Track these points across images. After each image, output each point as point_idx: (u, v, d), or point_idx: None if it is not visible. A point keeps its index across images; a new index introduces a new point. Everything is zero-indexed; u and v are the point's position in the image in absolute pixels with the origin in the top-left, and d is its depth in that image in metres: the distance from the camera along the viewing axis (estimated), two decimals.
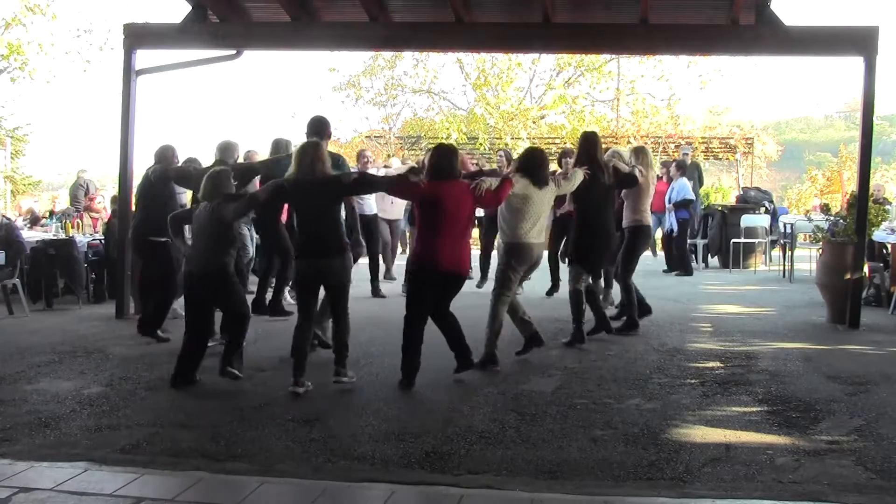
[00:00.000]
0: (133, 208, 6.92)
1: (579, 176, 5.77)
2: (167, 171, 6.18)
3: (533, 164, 5.37)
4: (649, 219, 6.77)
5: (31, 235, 8.67)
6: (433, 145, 6.06)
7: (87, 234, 9.14)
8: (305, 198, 4.74)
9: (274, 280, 7.31)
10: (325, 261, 4.67)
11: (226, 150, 6.29)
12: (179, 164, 6.54)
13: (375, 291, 8.56)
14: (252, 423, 3.98)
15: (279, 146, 6.94)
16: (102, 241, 8.51)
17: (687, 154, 12.41)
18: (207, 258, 4.82)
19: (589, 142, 6.08)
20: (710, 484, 3.18)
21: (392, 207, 9.69)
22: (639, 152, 6.69)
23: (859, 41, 6.75)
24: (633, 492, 3.14)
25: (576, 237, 6.11)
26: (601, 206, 6.00)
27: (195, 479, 3.25)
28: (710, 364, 5.35)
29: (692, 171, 11.94)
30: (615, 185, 6.16)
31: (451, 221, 4.80)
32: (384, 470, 3.35)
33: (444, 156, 4.96)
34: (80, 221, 9.93)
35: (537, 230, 5.40)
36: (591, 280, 6.17)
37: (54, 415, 4.13)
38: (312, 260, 4.69)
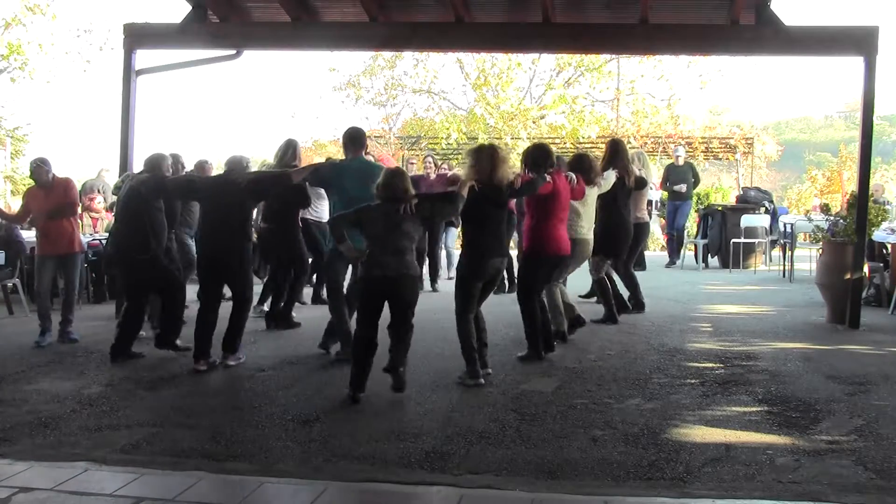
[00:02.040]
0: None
1: (612, 178, 6.61)
2: (164, 184, 5.70)
3: (586, 167, 6.02)
4: (647, 216, 7.40)
5: (30, 235, 8.67)
6: (533, 144, 6.17)
7: (87, 234, 9.14)
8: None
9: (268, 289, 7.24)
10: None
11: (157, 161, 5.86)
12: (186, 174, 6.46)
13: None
14: (252, 423, 3.98)
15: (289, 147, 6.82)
16: (103, 242, 8.51)
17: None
18: None
19: (620, 148, 7.01)
20: (710, 484, 3.18)
21: None
22: (640, 157, 7.22)
23: (859, 41, 6.75)
24: (633, 492, 3.14)
25: (603, 232, 6.60)
26: (624, 205, 6.95)
27: (195, 479, 3.25)
28: (710, 364, 5.35)
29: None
30: (634, 187, 7.08)
31: (562, 209, 5.48)
32: (384, 470, 3.35)
33: (541, 149, 5.51)
34: (80, 221, 9.92)
35: (588, 226, 6.18)
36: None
37: (54, 415, 4.13)
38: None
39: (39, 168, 6.18)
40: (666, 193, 12.42)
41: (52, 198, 6.15)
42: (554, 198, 5.36)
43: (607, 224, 6.70)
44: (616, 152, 6.94)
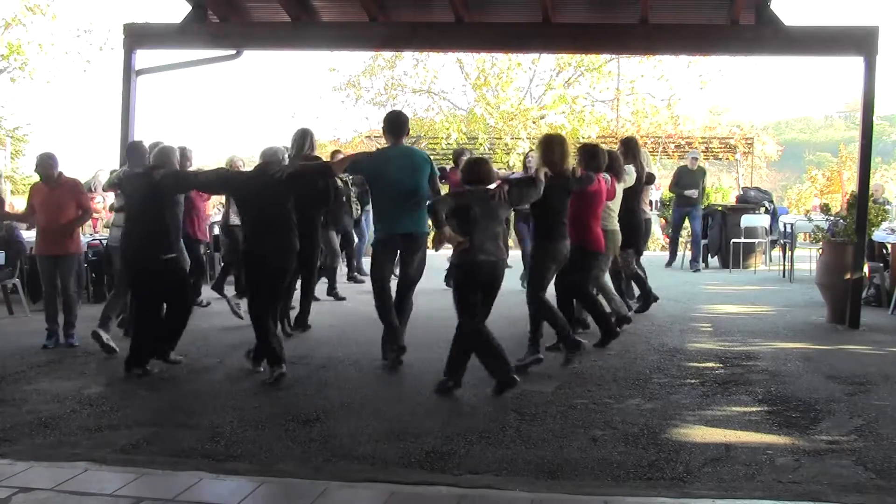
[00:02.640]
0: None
1: (633, 173, 6.73)
2: (192, 179, 5.52)
3: (617, 166, 6.29)
4: (649, 212, 7.96)
5: (30, 235, 8.67)
6: (584, 142, 6.50)
7: (86, 235, 9.14)
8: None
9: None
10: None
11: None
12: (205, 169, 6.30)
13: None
14: (252, 423, 3.98)
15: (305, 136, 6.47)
16: (103, 241, 8.50)
17: (695, 158, 11.99)
18: None
19: (635, 145, 7.16)
20: (710, 484, 3.18)
21: None
22: (644, 154, 7.54)
23: (859, 41, 6.75)
24: (633, 492, 3.14)
25: (626, 227, 6.59)
26: (640, 200, 7.15)
27: (195, 479, 3.25)
28: (710, 364, 5.35)
29: (698, 177, 11.53)
30: (645, 183, 7.25)
31: (600, 206, 5.76)
32: (384, 470, 3.35)
33: (597, 148, 5.85)
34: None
35: (616, 219, 6.33)
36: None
37: (54, 415, 4.13)
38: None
39: (45, 163, 6.03)
40: (668, 194, 12.39)
41: (55, 196, 6.04)
42: (597, 195, 5.67)
43: (629, 219, 6.73)
44: (635, 148, 7.10)
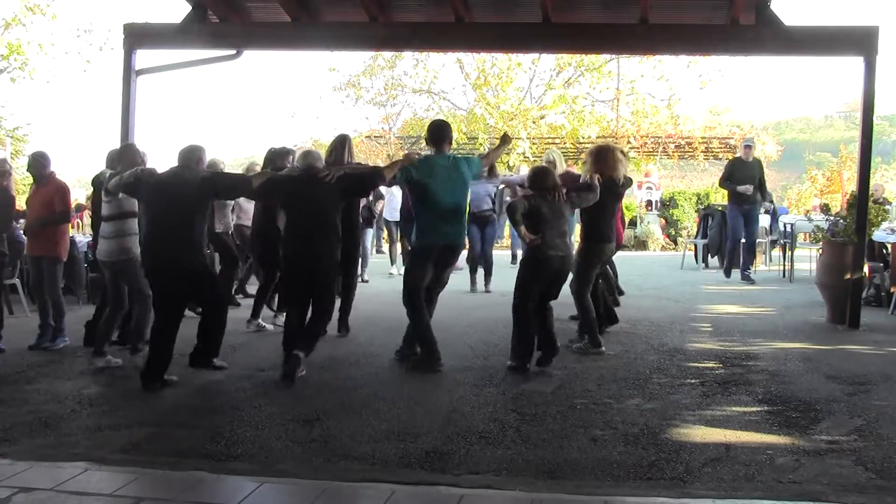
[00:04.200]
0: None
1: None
2: (239, 183, 5.34)
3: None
4: None
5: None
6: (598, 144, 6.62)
7: (86, 234, 9.14)
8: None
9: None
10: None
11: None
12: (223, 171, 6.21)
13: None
14: (252, 423, 3.98)
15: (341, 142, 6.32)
16: None
17: (750, 147, 10.24)
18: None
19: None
20: (710, 484, 3.18)
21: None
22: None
23: (859, 41, 6.76)
24: (633, 492, 3.13)
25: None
26: None
27: (195, 479, 3.25)
28: (710, 364, 5.35)
29: (753, 170, 9.90)
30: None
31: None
32: (384, 470, 3.35)
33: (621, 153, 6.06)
34: (80, 221, 9.91)
35: None
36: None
37: (54, 415, 4.13)
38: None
39: (38, 162, 6.02)
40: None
41: (40, 195, 6.01)
42: (621, 196, 6.25)
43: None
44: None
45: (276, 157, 6.57)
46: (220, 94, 75.66)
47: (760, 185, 9.89)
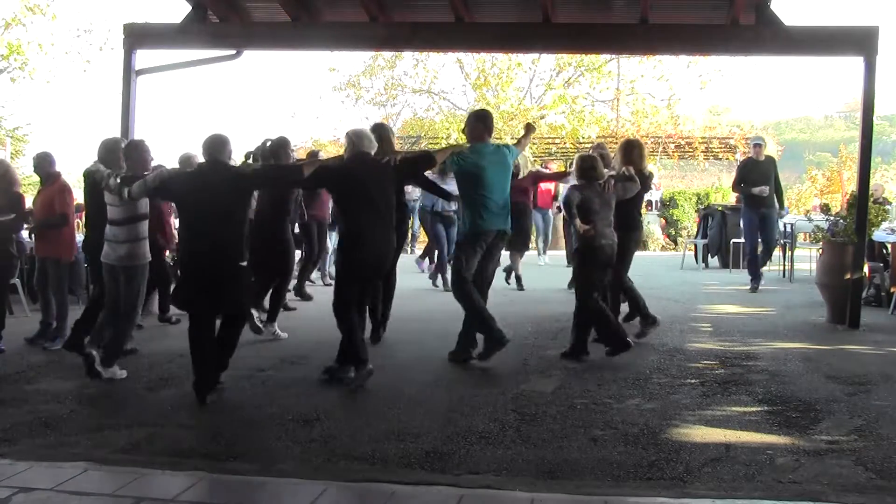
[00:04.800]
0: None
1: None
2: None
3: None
4: None
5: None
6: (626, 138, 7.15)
7: (83, 232, 9.11)
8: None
9: None
10: None
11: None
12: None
13: None
14: (252, 423, 3.98)
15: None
16: None
17: (759, 145, 9.40)
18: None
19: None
20: (710, 484, 3.18)
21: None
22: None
23: (859, 41, 6.75)
24: (633, 492, 3.14)
25: None
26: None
27: (195, 479, 3.25)
28: (710, 364, 5.35)
29: (767, 169, 9.05)
30: None
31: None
32: (384, 470, 3.35)
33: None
34: (79, 221, 9.89)
35: None
36: None
37: (54, 415, 4.13)
38: None
39: (45, 161, 6.04)
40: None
41: (44, 196, 6.03)
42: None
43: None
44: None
45: (279, 150, 6.21)
46: (220, 94, 75.58)
47: (776, 187, 9.11)
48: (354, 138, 4.87)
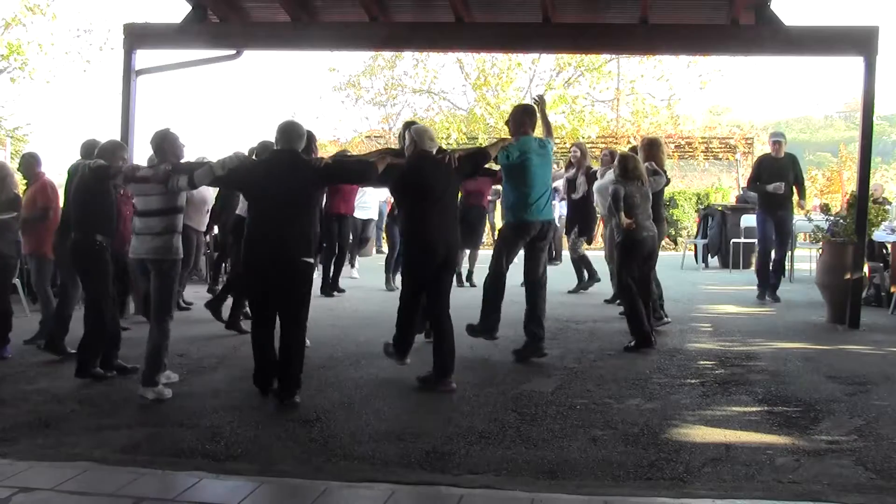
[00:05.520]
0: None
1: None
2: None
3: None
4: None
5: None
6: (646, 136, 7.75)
7: None
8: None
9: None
10: None
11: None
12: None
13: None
14: (252, 423, 3.97)
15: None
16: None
17: (779, 142, 8.37)
18: None
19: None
20: (710, 484, 3.18)
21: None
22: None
23: (859, 41, 6.76)
24: (633, 492, 3.13)
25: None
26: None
27: (195, 479, 3.25)
28: (710, 364, 5.35)
29: (786, 167, 8.21)
30: None
31: None
32: (384, 470, 3.35)
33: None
34: None
35: None
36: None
37: (54, 415, 4.13)
38: None
39: (29, 162, 6.07)
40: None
41: (28, 194, 6.04)
42: None
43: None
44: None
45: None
46: (220, 94, 75.48)
47: (797, 186, 8.22)
48: (416, 136, 4.80)
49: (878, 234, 7.93)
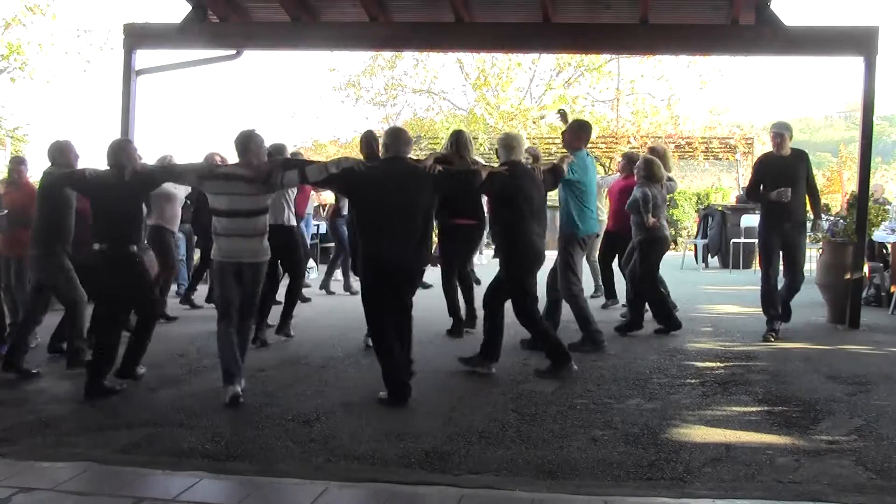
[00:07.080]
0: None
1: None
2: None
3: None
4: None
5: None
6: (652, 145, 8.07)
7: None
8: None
9: None
10: None
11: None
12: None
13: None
14: (252, 423, 3.97)
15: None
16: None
17: (781, 135, 6.18)
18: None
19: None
20: (710, 484, 3.18)
21: None
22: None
23: (859, 41, 6.76)
24: (633, 492, 3.13)
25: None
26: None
27: (195, 478, 3.25)
28: (710, 364, 5.35)
29: (794, 168, 6.17)
30: None
31: None
32: (384, 470, 3.35)
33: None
34: None
35: None
36: None
37: (54, 415, 4.13)
38: None
39: (15, 168, 6.00)
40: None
41: (19, 199, 5.86)
42: None
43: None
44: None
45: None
46: (220, 94, 75.46)
47: (810, 192, 6.34)
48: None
49: (878, 234, 7.94)
